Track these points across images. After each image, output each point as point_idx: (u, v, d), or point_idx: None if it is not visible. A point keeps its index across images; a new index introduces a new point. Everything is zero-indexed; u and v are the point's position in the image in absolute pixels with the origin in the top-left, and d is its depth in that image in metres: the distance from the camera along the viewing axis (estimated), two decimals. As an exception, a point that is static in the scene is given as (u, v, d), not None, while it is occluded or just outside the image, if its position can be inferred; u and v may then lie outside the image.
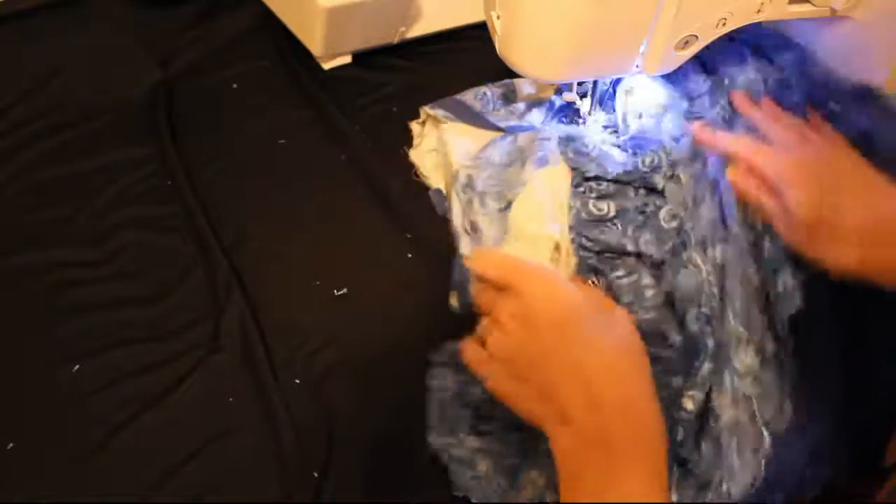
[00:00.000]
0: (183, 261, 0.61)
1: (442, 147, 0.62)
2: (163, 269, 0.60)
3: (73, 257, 0.61)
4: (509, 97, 0.66)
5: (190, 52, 0.78)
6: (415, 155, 0.64)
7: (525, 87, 0.66)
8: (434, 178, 0.64)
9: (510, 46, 0.56)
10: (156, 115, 0.71)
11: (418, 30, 0.78)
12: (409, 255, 0.61)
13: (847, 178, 0.52)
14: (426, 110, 0.62)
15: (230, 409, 0.53)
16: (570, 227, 0.55)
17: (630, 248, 0.55)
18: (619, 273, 0.54)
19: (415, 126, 0.64)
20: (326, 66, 0.76)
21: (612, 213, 0.56)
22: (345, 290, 0.59)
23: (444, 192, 0.63)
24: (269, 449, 0.51)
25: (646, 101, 0.63)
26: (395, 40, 0.77)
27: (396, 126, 0.64)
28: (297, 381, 0.54)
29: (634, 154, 0.59)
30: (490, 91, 0.66)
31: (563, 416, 0.43)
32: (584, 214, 0.56)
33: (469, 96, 0.65)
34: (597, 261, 0.55)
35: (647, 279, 0.54)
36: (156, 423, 0.52)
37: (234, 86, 0.75)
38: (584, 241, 0.55)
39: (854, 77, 0.58)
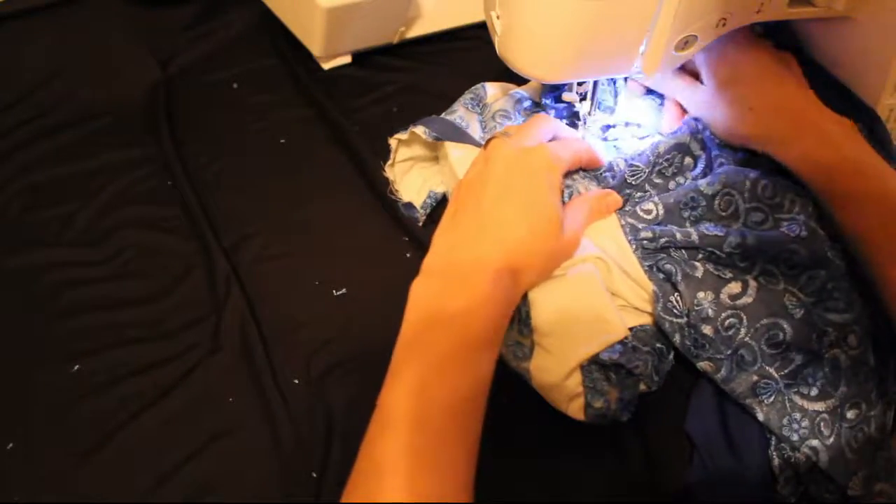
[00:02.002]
0: (183, 261, 0.61)
1: (446, 162, 0.61)
2: (163, 269, 0.60)
3: (73, 257, 0.61)
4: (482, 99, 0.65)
5: (190, 52, 0.78)
6: (390, 171, 0.64)
7: (489, 90, 0.65)
8: (407, 194, 0.63)
9: (510, 46, 0.55)
10: (156, 115, 0.71)
11: (418, 30, 0.78)
12: (408, 255, 0.61)
13: (757, 61, 0.59)
14: (413, 131, 0.60)
15: (230, 409, 0.53)
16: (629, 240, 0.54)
17: (694, 238, 0.52)
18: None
19: (393, 142, 0.63)
20: (326, 66, 0.76)
21: (660, 213, 0.55)
22: (344, 290, 0.59)
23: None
24: (268, 449, 0.51)
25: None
26: (395, 40, 0.77)
27: (396, 126, 0.63)
28: (297, 381, 0.54)
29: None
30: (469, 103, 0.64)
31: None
32: (633, 221, 0.54)
33: (459, 112, 0.63)
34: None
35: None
36: (155, 423, 0.52)
37: (234, 86, 0.75)
38: (644, 243, 0.53)
39: (853, 78, 0.58)
